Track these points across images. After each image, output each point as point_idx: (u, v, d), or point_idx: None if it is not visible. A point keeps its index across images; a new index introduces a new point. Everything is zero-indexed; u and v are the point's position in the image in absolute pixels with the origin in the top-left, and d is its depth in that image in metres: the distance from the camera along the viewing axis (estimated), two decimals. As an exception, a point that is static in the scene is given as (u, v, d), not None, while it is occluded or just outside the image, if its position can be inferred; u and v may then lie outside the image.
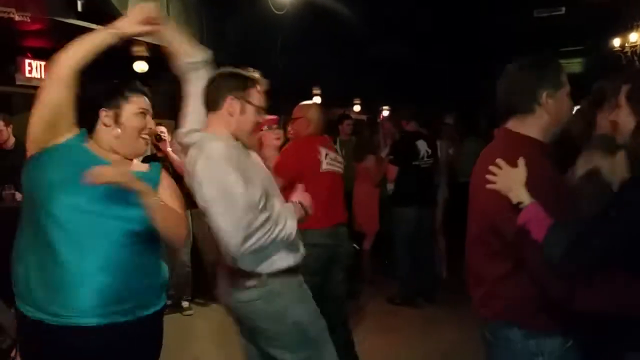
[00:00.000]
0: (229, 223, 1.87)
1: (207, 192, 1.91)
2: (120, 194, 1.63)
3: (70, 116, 1.76)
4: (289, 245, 2.07)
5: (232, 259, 1.93)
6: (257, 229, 1.92)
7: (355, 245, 3.91)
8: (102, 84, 1.84)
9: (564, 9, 9.90)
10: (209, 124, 2.07)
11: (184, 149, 2.09)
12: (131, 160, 1.87)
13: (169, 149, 4.83)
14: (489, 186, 1.60)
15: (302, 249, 2.17)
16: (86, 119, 1.80)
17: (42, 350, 1.68)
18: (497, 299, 1.69)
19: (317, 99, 9.78)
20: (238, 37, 6.88)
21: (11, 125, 4.97)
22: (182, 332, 4.53)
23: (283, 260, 2.06)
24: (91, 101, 1.81)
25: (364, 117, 10.79)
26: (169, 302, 5.06)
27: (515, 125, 1.71)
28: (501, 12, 9.99)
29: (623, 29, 9.72)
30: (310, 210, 2.19)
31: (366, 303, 4.97)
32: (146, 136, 1.87)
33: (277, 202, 2.10)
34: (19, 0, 4.16)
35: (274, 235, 1.97)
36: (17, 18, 4.17)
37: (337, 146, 5.27)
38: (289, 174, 3.09)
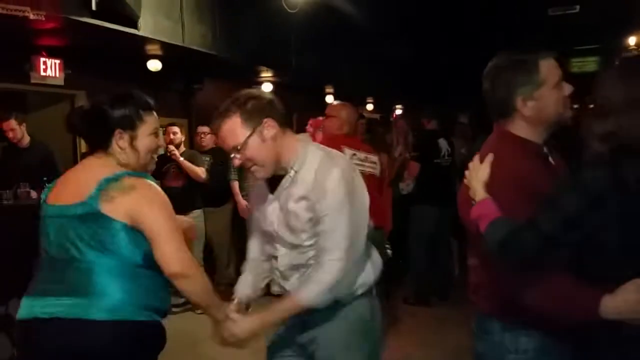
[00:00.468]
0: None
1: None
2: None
3: None
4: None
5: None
6: None
7: (388, 249, 3.90)
8: (118, 103, 1.79)
9: (578, 7, 9.81)
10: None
11: None
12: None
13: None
14: (465, 180, 1.64)
15: None
16: (101, 138, 1.80)
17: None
18: (478, 291, 1.71)
19: (329, 98, 9.76)
20: (251, 35, 6.88)
21: (25, 124, 5.02)
22: (195, 331, 4.54)
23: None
24: (107, 121, 1.78)
25: (377, 116, 10.76)
26: (181, 300, 5.11)
27: (504, 123, 1.68)
28: (515, 11, 9.93)
29: (638, 27, 9.60)
30: None
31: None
32: (155, 156, 1.93)
33: None
34: (35, -2, 4.19)
35: None
36: (31, 17, 4.18)
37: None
38: None
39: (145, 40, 5.38)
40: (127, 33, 4.94)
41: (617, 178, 1.34)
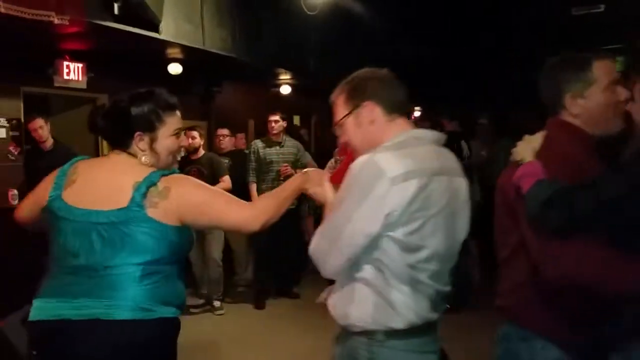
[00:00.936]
0: None
1: None
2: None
3: None
4: None
5: None
6: None
7: None
8: (137, 103, 1.75)
9: (603, 6, 9.64)
10: None
11: None
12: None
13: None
14: (511, 157, 1.63)
15: None
16: (121, 139, 1.77)
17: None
18: (502, 287, 1.68)
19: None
20: (270, 38, 6.90)
21: (49, 126, 5.10)
22: (214, 332, 4.56)
23: None
24: (127, 123, 1.74)
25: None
26: (201, 302, 5.15)
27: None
28: (538, 10, 9.80)
29: (666, 27, 9.39)
30: None
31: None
32: (178, 157, 1.86)
33: None
34: (59, 3, 4.25)
35: None
36: (56, 21, 4.25)
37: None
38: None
39: (166, 43, 5.44)
40: (148, 37, 5.00)
41: None
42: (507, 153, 1.75)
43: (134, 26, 4.77)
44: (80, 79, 5.86)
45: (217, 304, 5.05)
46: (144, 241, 1.66)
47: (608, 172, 1.41)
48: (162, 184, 1.70)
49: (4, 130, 5.25)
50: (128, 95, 1.77)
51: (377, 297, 1.52)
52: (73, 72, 5.77)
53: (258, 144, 5.38)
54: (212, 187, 1.83)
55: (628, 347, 1.53)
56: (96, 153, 6.29)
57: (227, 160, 5.46)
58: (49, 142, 5.08)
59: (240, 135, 6.90)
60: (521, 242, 1.54)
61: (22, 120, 5.35)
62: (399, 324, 1.52)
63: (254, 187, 5.27)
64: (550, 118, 1.68)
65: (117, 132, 1.77)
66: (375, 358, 1.54)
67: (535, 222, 1.45)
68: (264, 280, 5.38)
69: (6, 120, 5.25)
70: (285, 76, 8.35)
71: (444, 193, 1.55)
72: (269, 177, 5.24)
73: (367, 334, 1.54)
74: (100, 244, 1.66)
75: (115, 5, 4.50)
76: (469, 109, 7.61)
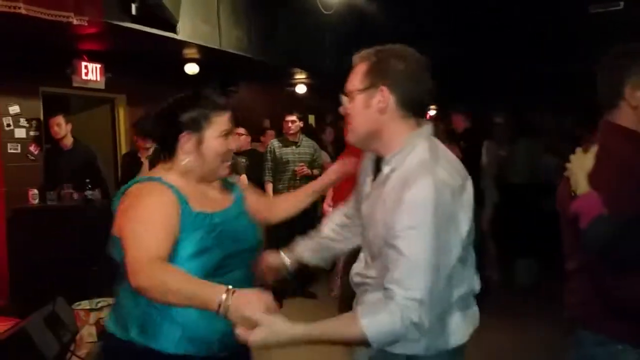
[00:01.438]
0: None
1: None
2: None
3: None
4: None
5: None
6: None
7: None
8: (186, 104, 1.67)
9: (622, 3, 9.49)
10: None
11: None
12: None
13: None
14: (565, 173, 1.59)
15: None
16: (166, 143, 1.68)
17: None
18: (574, 297, 1.63)
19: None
20: (286, 37, 6.91)
21: (70, 125, 5.16)
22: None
23: None
24: (174, 124, 1.65)
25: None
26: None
27: (612, 117, 1.62)
28: (554, 9, 9.69)
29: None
30: None
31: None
32: (228, 162, 1.70)
33: None
34: (77, 4, 4.29)
35: None
36: (75, 22, 4.30)
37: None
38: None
39: (183, 44, 5.47)
40: (166, 37, 5.03)
41: None
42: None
43: (151, 27, 4.81)
44: (98, 79, 5.91)
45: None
46: None
47: None
48: (130, 189, 1.62)
49: (24, 130, 5.31)
50: (176, 98, 1.71)
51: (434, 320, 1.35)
52: (91, 72, 5.83)
53: (274, 143, 5.39)
54: (144, 215, 1.53)
55: None
56: (114, 152, 6.35)
57: (244, 160, 5.48)
58: (69, 141, 5.13)
59: (271, 132, 6.87)
60: (588, 260, 1.52)
61: (42, 120, 5.41)
62: (450, 345, 1.47)
63: (270, 187, 5.28)
64: (604, 122, 1.63)
65: (165, 134, 1.68)
66: None
67: (597, 259, 1.43)
68: (283, 280, 5.36)
69: (26, 120, 5.31)
70: (300, 75, 8.36)
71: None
72: (285, 177, 5.25)
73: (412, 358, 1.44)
74: None
75: (133, 6, 4.54)
76: (483, 108, 7.55)
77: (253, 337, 1.24)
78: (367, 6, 7.99)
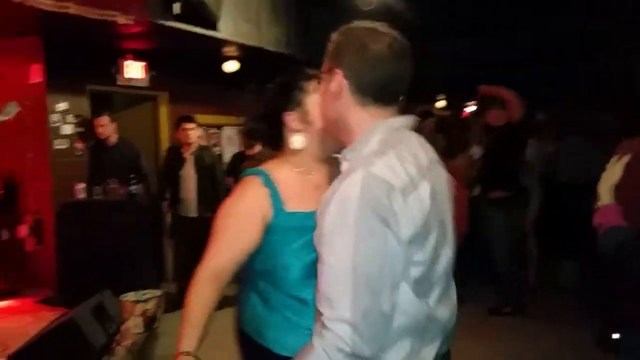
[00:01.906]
0: None
1: None
2: None
3: None
4: None
5: None
6: None
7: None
8: (279, 88, 1.61)
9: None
10: None
11: None
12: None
13: None
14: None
15: None
16: (272, 133, 1.63)
17: None
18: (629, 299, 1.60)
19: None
20: (325, 34, 6.89)
21: (115, 123, 5.29)
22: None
23: None
24: (270, 110, 1.61)
25: (446, 113, 10.51)
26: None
27: None
28: (595, 6, 9.40)
29: None
30: None
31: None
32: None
33: None
34: (124, 4, 4.39)
35: None
36: (121, 21, 4.40)
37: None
38: None
39: (224, 42, 5.54)
40: (208, 36, 5.11)
41: None
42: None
43: (194, 25, 4.88)
44: (142, 77, 6.05)
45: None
46: None
47: None
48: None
49: (71, 127, 5.48)
50: (270, 88, 1.66)
51: None
52: (135, 70, 5.96)
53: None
54: (223, 223, 1.53)
55: None
56: (156, 148, 6.48)
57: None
58: (113, 138, 5.26)
59: None
60: None
61: (89, 117, 5.57)
62: None
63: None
64: None
65: (271, 127, 1.63)
66: None
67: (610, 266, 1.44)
68: None
69: (74, 117, 5.47)
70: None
71: (443, 192, 1.28)
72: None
73: None
74: None
75: (177, 5, 4.61)
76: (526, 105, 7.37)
77: None
78: (408, 2, 7.92)
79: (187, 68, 6.19)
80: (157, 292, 3.98)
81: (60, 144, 5.40)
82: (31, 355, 2.86)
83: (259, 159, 5.10)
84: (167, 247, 5.65)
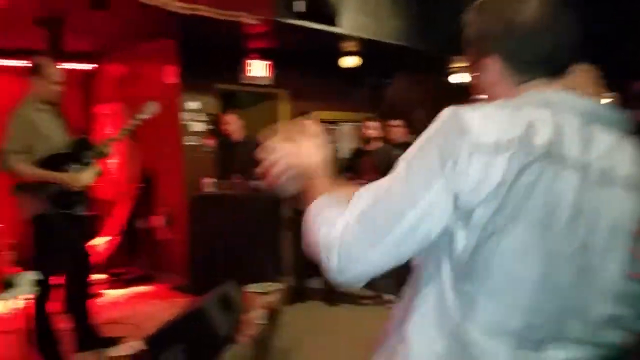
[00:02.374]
0: None
1: None
2: None
3: None
4: None
5: None
6: None
7: None
8: None
9: None
10: None
11: None
12: None
13: None
14: None
15: None
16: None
17: None
18: None
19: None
20: (445, 25, 6.63)
21: (241, 120, 5.51)
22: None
23: None
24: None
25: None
26: (372, 294, 5.17)
27: None
28: None
29: None
30: None
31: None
32: None
33: None
34: (248, 4, 4.53)
35: None
36: (247, 21, 4.54)
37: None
38: None
39: (345, 37, 5.53)
40: (329, 32, 5.12)
41: None
42: None
43: (315, 22, 4.92)
44: (266, 75, 6.24)
45: (388, 297, 5.02)
46: None
47: None
48: None
49: (201, 124, 5.79)
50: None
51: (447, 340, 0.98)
52: (259, 69, 6.16)
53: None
54: None
55: None
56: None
57: (399, 152, 5.39)
58: (239, 135, 5.48)
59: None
60: None
61: (218, 115, 5.85)
62: None
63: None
64: None
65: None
66: None
67: None
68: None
69: (205, 114, 5.78)
70: (458, 64, 7.99)
71: (570, 204, 0.92)
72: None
73: None
74: None
75: (300, 3, 4.66)
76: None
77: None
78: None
79: (306, 65, 6.27)
80: (279, 285, 4.07)
81: (190, 141, 5.74)
82: (164, 340, 3.04)
83: (378, 155, 5.05)
84: (286, 241, 5.78)
